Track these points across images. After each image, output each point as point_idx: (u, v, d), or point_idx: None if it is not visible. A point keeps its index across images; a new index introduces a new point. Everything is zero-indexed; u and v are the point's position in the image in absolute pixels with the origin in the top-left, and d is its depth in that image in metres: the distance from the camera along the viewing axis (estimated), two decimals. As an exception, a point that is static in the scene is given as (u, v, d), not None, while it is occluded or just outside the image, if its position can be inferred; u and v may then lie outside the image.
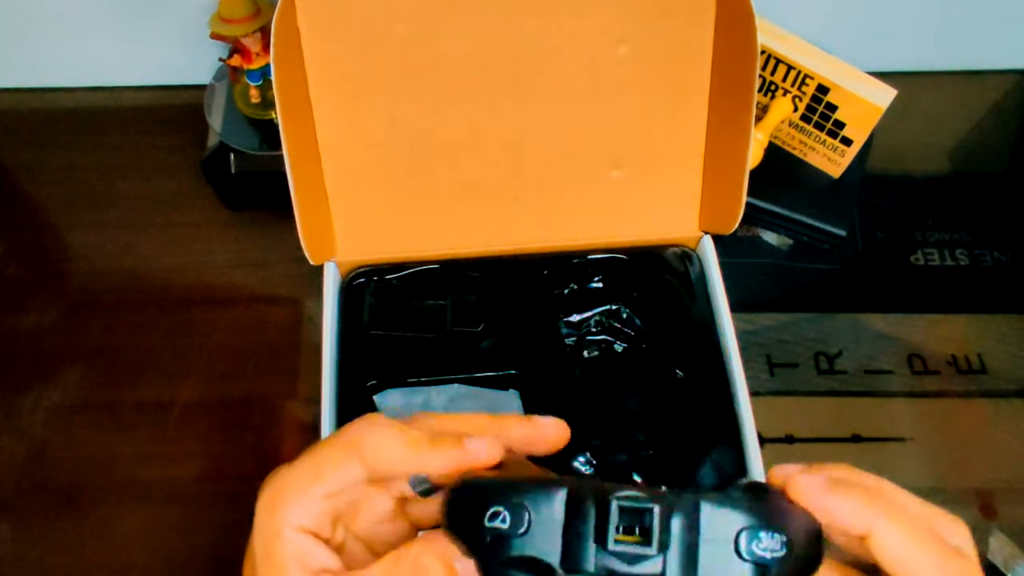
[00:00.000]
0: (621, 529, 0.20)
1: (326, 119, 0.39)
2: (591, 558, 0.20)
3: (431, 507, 0.28)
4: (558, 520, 0.21)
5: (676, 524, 0.21)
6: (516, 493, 0.21)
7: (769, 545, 0.20)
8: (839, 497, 0.22)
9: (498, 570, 0.21)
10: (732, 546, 0.20)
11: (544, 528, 0.21)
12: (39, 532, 0.42)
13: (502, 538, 0.21)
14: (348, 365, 0.39)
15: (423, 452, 0.25)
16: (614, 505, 0.20)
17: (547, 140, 0.41)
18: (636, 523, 0.20)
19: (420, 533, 0.27)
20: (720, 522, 0.21)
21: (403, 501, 0.28)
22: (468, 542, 0.22)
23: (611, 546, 0.20)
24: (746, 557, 0.20)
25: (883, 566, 0.21)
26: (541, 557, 0.21)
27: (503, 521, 0.21)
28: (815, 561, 0.22)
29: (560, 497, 0.21)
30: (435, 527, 0.26)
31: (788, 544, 0.21)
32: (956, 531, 0.23)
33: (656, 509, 0.20)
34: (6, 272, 0.50)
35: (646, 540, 0.20)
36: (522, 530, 0.21)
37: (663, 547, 0.20)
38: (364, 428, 0.25)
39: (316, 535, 0.25)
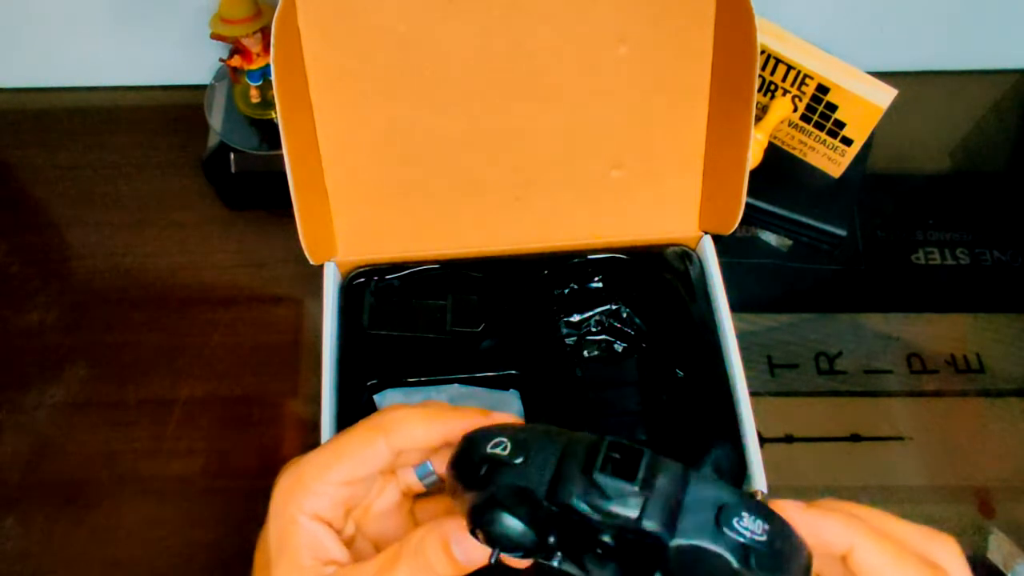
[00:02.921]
0: (609, 468, 0.21)
1: (326, 119, 0.39)
2: (575, 490, 0.21)
3: (435, 506, 0.28)
4: (553, 458, 0.21)
5: (662, 478, 0.21)
6: (522, 431, 0.22)
7: (750, 527, 0.20)
8: (822, 514, 0.23)
9: (488, 500, 0.21)
10: (712, 515, 0.20)
11: (539, 463, 0.21)
12: (43, 528, 0.42)
13: (498, 465, 0.22)
14: (348, 365, 0.40)
15: (446, 419, 0.25)
16: (605, 443, 0.21)
17: (547, 140, 0.41)
18: (624, 466, 0.21)
19: None
20: (705, 491, 0.21)
21: (410, 498, 0.29)
22: (466, 471, 0.22)
23: (595, 476, 0.20)
24: (725, 530, 0.20)
25: None
26: (530, 487, 0.21)
27: (503, 449, 0.22)
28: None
29: (561, 440, 0.22)
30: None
31: (772, 537, 0.20)
32: (945, 549, 0.23)
33: (646, 455, 0.21)
34: (9, 270, 0.51)
35: (630, 478, 0.20)
36: (519, 460, 0.21)
37: (646, 487, 0.20)
38: (387, 411, 0.26)
39: (330, 525, 0.25)
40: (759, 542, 0.20)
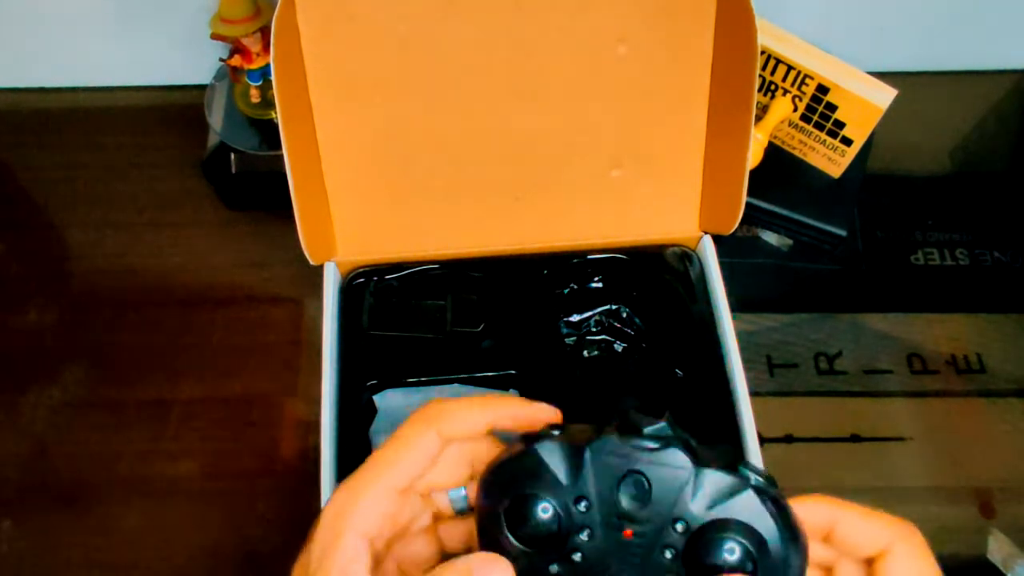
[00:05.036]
0: (641, 413, 0.25)
1: (326, 119, 0.39)
2: (614, 426, 0.25)
3: (460, 530, 0.29)
4: (589, 429, 0.25)
5: (679, 430, 0.24)
6: (560, 425, 0.27)
7: (757, 471, 0.24)
8: (800, 502, 0.25)
9: (538, 443, 0.25)
10: (724, 459, 0.24)
11: (577, 429, 0.26)
12: (41, 530, 0.42)
13: (542, 434, 0.25)
14: (348, 365, 0.39)
15: (488, 404, 0.27)
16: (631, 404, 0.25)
17: (547, 140, 0.41)
18: (652, 413, 0.25)
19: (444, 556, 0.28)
20: (710, 449, 0.25)
21: (437, 520, 0.29)
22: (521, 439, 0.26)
23: (630, 415, 0.24)
24: (740, 468, 0.24)
25: (854, 549, 0.25)
26: (572, 440, 0.25)
27: (554, 429, 0.26)
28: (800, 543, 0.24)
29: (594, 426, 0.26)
30: (460, 552, 0.27)
31: (773, 481, 0.24)
32: (906, 524, 0.26)
33: (665, 415, 0.25)
34: (7, 271, 0.51)
35: (659, 417, 0.24)
36: (558, 432, 0.25)
37: (671, 425, 0.24)
38: (435, 402, 0.27)
39: (371, 545, 0.25)
40: (769, 480, 0.24)
